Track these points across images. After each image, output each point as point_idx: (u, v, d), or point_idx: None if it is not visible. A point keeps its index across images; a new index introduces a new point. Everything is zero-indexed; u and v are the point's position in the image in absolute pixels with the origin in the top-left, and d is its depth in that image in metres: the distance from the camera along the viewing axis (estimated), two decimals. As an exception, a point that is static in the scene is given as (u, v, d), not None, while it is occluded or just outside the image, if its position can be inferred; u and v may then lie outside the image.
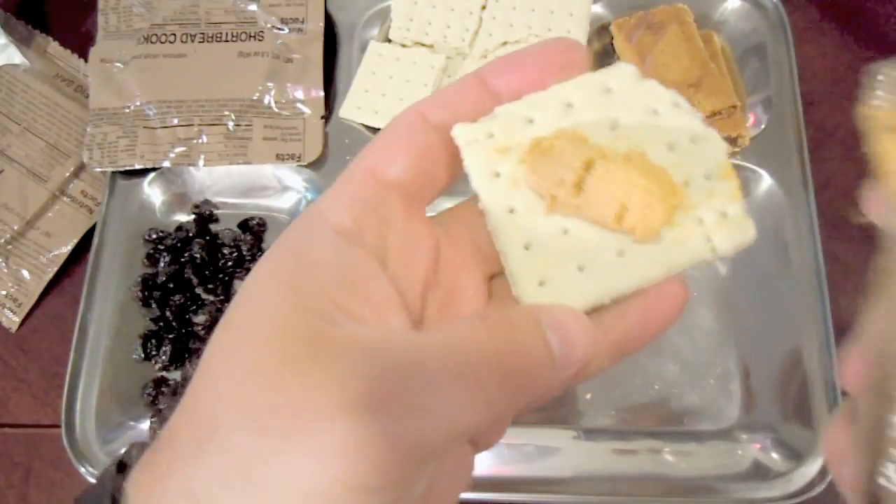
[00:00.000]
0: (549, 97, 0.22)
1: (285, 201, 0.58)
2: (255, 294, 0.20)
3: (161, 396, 0.52)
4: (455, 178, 0.23)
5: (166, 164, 0.56)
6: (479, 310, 0.23)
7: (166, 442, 0.19)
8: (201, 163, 0.56)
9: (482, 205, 0.22)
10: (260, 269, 0.20)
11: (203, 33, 0.59)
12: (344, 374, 0.17)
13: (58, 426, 0.50)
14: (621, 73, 0.22)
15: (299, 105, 0.58)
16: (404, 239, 0.22)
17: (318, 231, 0.20)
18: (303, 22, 0.59)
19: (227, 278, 0.56)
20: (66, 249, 0.57)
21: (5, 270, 0.57)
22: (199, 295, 0.56)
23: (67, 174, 0.59)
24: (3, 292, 0.56)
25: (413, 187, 0.22)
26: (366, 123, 0.57)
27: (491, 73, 0.22)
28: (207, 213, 0.58)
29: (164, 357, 0.53)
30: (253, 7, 0.60)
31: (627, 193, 0.21)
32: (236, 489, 0.17)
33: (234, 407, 0.17)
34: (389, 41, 0.58)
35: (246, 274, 0.49)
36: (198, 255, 0.55)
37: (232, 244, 0.56)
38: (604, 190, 0.21)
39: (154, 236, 0.56)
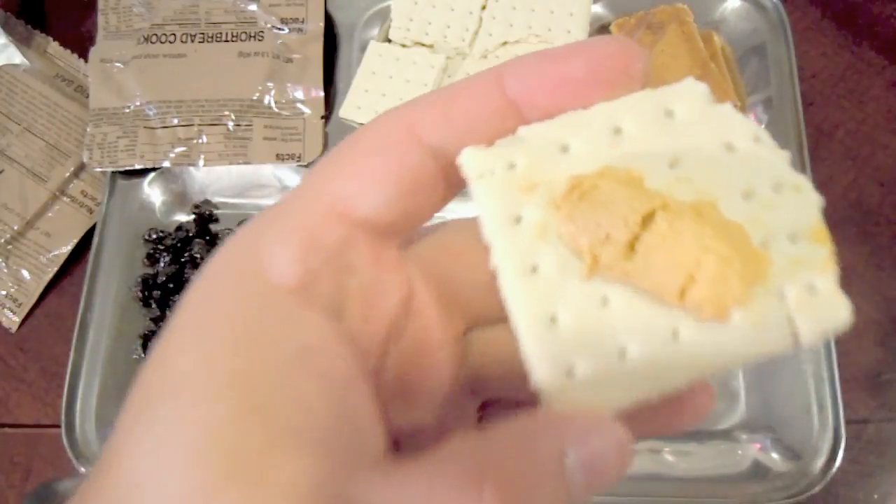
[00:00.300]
0: (593, 119, 0.17)
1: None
2: (183, 383, 0.15)
3: (161, 396, 0.52)
4: (447, 202, 0.18)
5: (166, 164, 0.56)
6: (472, 433, 0.17)
7: None
8: (201, 163, 0.56)
9: (494, 259, 0.16)
10: (185, 344, 0.15)
11: (203, 33, 0.59)
12: None
13: (58, 426, 0.50)
14: (689, 93, 0.17)
15: (299, 105, 0.58)
16: (368, 287, 0.17)
17: (258, 292, 0.16)
18: (303, 22, 0.59)
19: (227, 278, 0.56)
20: (66, 249, 0.57)
21: (5, 270, 0.57)
22: (199, 295, 0.56)
23: (67, 174, 0.59)
24: (3, 292, 0.56)
25: (389, 227, 0.17)
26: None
27: (515, 75, 0.17)
28: (207, 213, 0.58)
29: (164, 357, 0.53)
30: (253, 7, 0.60)
31: (697, 260, 0.16)
32: None
33: None
34: (389, 41, 0.58)
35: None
36: (198, 255, 0.55)
37: (232, 244, 0.56)
38: (666, 253, 0.16)
39: (154, 236, 0.56)
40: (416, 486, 0.14)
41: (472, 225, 0.17)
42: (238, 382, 0.14)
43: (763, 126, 0.55)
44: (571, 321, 0.16)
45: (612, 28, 0.57)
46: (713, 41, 0.56)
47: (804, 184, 0.17)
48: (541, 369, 0.16)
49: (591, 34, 0.57)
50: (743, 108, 0.54)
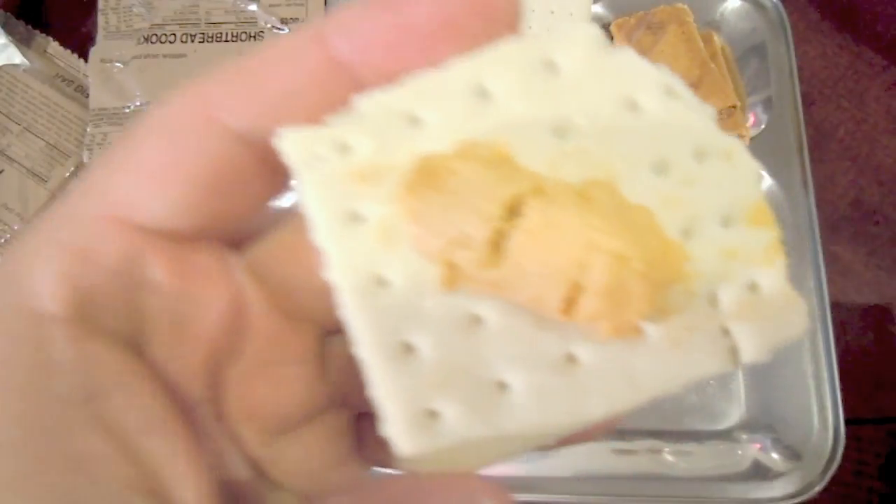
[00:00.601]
0: (450, 81, 0.13)
1: (285, 201, 0.58)
2: None
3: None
4: (277, 195, 0.15)
5: (166, 164, 0.56)
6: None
7: None
8: (201, 163, 0.56)
9: (330, 272, 0.13)
10: None
11: (203, 33, 0.59)
12: None
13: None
14: (575, 39, 0.13)
15: (299, 105, 0.58)
16: (174, 306, 0.14)
17: (22, 326, 0.12)
18: (303, 22, 0.59)
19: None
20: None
21: (5, 270, 0.57)
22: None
23: (67, 174, 0.59)
24: (3, 292, 0.56)
25: (196, 233, 0.14)
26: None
27: (340, 29, 0.13)
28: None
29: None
30: (253, 7, 0.60)
31: (581, 261, 0.12)
32: None
33: None
34: (389, 41, 0.58)
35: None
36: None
37: (232, 244, 0.56)
38: (540, 255, 0.12)
39: (154, 236, 0.56)
40: None
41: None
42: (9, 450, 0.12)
43: (763, 126, 0.55)
44: (432, 351, 0.12)
45: (612, 28, 0.57)
46: (713, 41, 0.56)
47: (736, 149, 0.13)
48: (394, 418, 0.12)
49: (591, 34, 0.57)
50: (743, 108, 0.54)
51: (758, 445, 0.50)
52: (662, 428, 0.51)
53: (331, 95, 0.13)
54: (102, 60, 0.59)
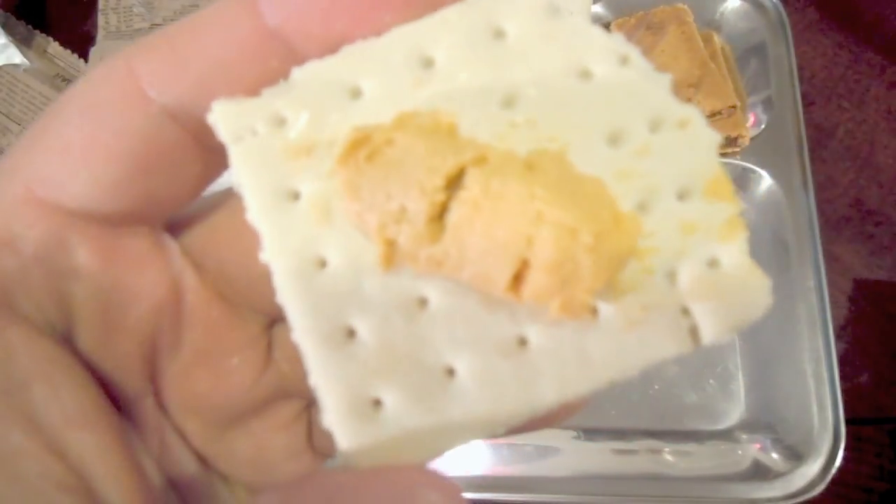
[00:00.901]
0: (391, 49, 0.12)
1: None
2: None
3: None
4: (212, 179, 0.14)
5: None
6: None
7: None
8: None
9: (265, 252, 0.12)
10: None
11: (203, 33, 0.59)
12: None
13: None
14: (521, 5, 0.12)
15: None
16: (105, 292, 0.13)
17: None
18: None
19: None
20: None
21: (5, 270, 0.57)
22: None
23: (67, 174, 0.59)
24: (3, 292, 0.56)
25: (126, 216, 0.13)
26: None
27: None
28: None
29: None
30: (253, 7, 0.60)
31: (527, 235, 0.11)
32: None
33: None
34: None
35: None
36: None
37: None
38: (483, 229, 0.11)
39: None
40: None
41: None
42: None
43: (763, 126, 0.55)
44: (373, 336, 0.11)
45: (612, 28, 0.57)
46: (713, 41, 0.56)
47: (693, 117, 0.12)
48: (333, 408, 0.11)
49: (591, 34, 0.57)
50: (743, 108, 0.54)
51: (758, 445, 0.50)
52: (662, 428, 0.51)
53: (266, 67, 0.12)
54: (102, 60, 0.59)
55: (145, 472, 0.13)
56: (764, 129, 0.54)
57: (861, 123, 0.58)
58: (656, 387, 0.52)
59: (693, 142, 0.12)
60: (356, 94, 0.12)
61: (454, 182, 0.11)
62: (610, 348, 0.12)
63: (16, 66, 0.61)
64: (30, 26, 0.63)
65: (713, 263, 0.12)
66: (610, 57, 0.12)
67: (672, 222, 0.12)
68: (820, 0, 0.61)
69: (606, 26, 0.58)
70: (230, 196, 0.14)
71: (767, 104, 0.55)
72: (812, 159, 0.53)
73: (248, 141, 0.12)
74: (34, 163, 0.12)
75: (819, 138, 0.57)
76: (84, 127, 0.12)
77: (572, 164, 0.12)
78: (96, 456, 0.12)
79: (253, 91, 0.12)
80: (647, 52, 0.55)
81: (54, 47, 0.63)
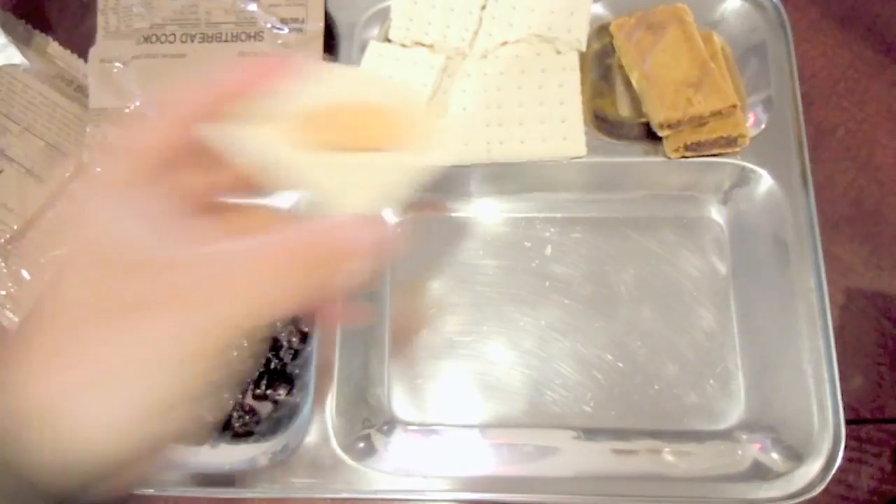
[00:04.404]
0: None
1: (285, 201, 0.58)
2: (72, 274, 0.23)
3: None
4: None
5: (166, 164, 0.56)
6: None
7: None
8: (201, 163, 0.56)
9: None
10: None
11: (203, 33, 0.59)
12: None
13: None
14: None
15: (299, 105, 0.58)
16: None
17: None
18: (303, 22, 0.59)
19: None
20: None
21: (5, 270, 0.57)
22: (198, 295, 0.55)
23: (67, 174, 0.59)
24: (3, 292, 0.56)
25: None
26: (366, 123, 0.57)
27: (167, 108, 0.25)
28: (207, 213, 0.58)
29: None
30: (253, 7, 0.60)
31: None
32: None
33: None
34: (389, 41, 0.58)
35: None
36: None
37: (232, 244, 0.56)
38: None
39: (154, 236, 0.56)
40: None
41: None
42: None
43: (763, 126, 0.55)
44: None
45: (612, 28, 0.57)
46: (713, 41, 0.56)
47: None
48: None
49: (590, 34, 0.57)
50: (743, 108, 0.54)
51: (758, 445, 0.50)
52: (662, 428, 0.51)
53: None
54: (102, 60, 0.59)
55: None
56: (764, 129, 0.54)
57: (861, 123, 0.58)
58: (656, 387, 0.52)
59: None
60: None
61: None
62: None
63: (16, 66, 0.61)
64: (30, 26, 0.63)
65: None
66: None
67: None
68: (820, 0, 0.61)
69: (606, 26, 0.58)
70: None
71: (767, 104, 0.55)
72: (812, 159, 0.53)
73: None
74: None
75: (819, 138, 0.57)
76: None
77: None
78: None
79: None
80: (647, 52, 0.55)
81: (54, 47, 0.63)
